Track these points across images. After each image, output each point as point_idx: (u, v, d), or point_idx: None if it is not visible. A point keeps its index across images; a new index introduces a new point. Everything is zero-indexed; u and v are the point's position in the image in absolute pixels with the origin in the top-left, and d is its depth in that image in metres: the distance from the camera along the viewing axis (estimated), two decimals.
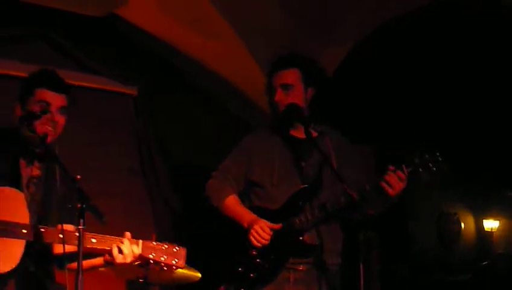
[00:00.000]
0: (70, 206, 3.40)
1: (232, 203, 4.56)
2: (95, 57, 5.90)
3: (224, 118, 6.18)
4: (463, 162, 6.04)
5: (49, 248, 3.84)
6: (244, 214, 4.49)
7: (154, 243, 3.77)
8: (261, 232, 4.35)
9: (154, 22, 5.80)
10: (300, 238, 4.40)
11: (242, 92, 6.11)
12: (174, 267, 3.81)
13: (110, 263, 3.73)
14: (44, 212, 3.77)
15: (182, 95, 6.23)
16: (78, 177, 3.41)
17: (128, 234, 3.73)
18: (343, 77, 6.54)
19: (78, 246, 3.31)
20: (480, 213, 8.68)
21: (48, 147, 3.68)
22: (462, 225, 6.33)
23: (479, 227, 9.50)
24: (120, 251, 3.68)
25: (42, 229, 3.63)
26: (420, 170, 4.30)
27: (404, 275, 6.19)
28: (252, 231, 4.36)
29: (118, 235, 3.76)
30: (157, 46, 5.96)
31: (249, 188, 4.64)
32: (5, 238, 3.56)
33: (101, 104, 6.02)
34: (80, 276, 3.24)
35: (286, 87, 4.59)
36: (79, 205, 3.33)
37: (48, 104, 3.79)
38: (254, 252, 4.38)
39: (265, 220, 4.39)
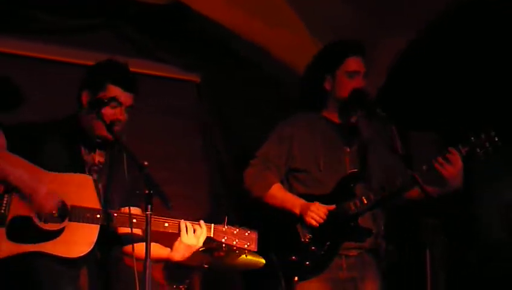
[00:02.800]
0: (138, 192, 3.44)
1: (279, 191, 4.50)
2: (158, 45, 5.93)
3: (289, 105, 6.15)
4: None
5: (116, 234, 3.90)
6: (295, 201, 4.43)
7: (226, 227, 3.81)
8: (319, 211, 4.32)
9: (218, 8, 5.80)
10: (352, 223, 4.38)
11: None
12: (246, 250, 3.84)
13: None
14: (108, 198, 3.83)
15: (246, 82, 6.23)
16: (146, 163, 3.45)
17: (201, 221, 3.80)
18: (404, 65, 6.48)
19: (146, 231, 3.35)
20: None
21: (115, 134, 3.73)
22: None
23: None
24: (188, 232, 3.72)
25: (115, 214, 3.69)
26: (478, 150, 4.28)
27: (471, 263, 6.11)
28: (309, 211, 4.33)
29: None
30: (220, 32, 5.96)
31: (289, 174, 4.58)
32: (80, 223, 3.63)
33: (164, 91, 6.05)
34: (148, 261, 3.29)
35: (365, 74, 4.57)
36: (146, 191, 3.37)
37: (120, 103, 3.84)
38: (307, 240, 4.35)
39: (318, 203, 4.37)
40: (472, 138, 4.31)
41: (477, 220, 6.33)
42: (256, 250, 3.91)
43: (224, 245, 3.83)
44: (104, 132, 3.81)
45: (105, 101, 3.79)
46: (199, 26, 5.90)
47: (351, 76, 4.51)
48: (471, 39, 6.14)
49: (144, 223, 3.52)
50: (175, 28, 5.90)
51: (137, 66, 5.82)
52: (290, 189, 4.55)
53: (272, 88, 6.32)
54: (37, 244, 3.58)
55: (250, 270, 4.72)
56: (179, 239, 3.80)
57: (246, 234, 3.86)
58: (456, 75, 6.30)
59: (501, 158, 6.11)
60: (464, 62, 6.24)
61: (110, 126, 3.75)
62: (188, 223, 3.78)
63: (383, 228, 4.58)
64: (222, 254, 4.50)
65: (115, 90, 3.84)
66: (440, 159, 4.25)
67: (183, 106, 6.15)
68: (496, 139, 4.30)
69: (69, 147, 3.86)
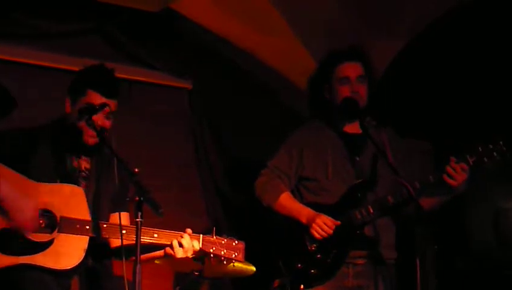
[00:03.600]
0: (128, 199, 3.43)
1: (288, 200, 4.52)
2: (149, 51, 5.92)
3: (280, 111, 6.16)
4: None
5: (107, 243, 3.89)
6: (302, 210, 4.45)
7: (214, 237, 3.83)
8: (324, 225, 4.33)
9: (209, 16, 5.80)
10: (358, 232, 4.38)
11: (297, 86, 6.09)
12: (233, 260, 3.86)
13: (170, 256, 3.79)
14: (98, 204, 3.82)
15: (237, 89, 6.23)
16: (136, 170, 3.44)
17: (189, 230, 3.82)
18: (397, 71, 6.47)
19: (136, 238, 3.34)
20: None
21: (105, 141, 3.71)
22: None
23: None
24: (181, 245, 3.73)
25: (105, 225, 3.68)
26: (485, 159, 4.24)
27: (462, 270, 6.11)
28: (314, 224, 4.34)
29: (174, 228, 3.82)
30: (211, 40, 5.96)
31: (299, 183, 4.62)
32: (69, 235, 3.62)
33: (155, 98, 6.05)
34: (138, 266, 3.28)
35: (360, 78, 4.58)
36: (137, 198, 3.36)
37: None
38: (313, 248, 4.36)
39: (325, 215, 4.37)
40: (480, 148, 4.27)
41: (469, 228, 6.32)
42: (243, 260, 3.93)
43: (212, 255, 3.83)
44: (91, 139, 3.80)
45: (97, 108, 3.76)
46: (191, 32, 5.90)
47: (342, 82, 4.54)
48: (466, 46, 6.14)
49: (131, 233, 3.53)
50: (167, 34, 5.90)
51: (129, 73, 5.86)
52: (300, 198, 4.58)
53: (263, 95, 6.32)
54: (26, 257, 3.56)
55: (241, 278, 4.72)
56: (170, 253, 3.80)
57: (234, 244, 3.88)
58: (450, 82, 6.30)
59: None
60: (458, 69, 6.24)
61: (101, 133, 3.73)
62: (184, 240, 3.76)
63: (394, 238, 4.58)
64: (213, 261, 4.51)
65: (94, 96, 3.81)
66: (449, 170, 4.25)
67: (175, 112, 6.15)
68: (504, 149, 4.24)
69: (55, 155, 3.82)
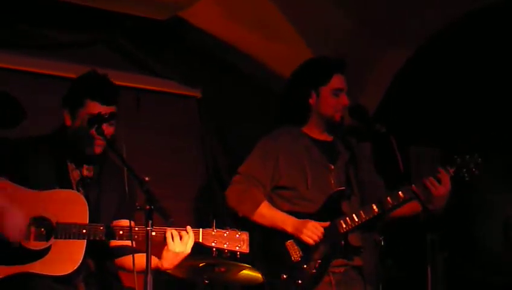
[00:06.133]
0: (138, 207, 3.41)
1: (269, 209, 4.40)
2: (158, 60, 5.93)
3: None
4: None
5: (107, 247, 3.86)
6: (286, 219, 4.35)
7: (215, 230, 3.76)
8: (315, 229, 4.29)
9: (217, 24, 5.81)
10: (343, 241, 4.36)
11: None
12: (238, 252, 3.78)
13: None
14: (98, 210, 3.80)
15: (246, 97, 6.22)
16: (147, 179, 3.42)
17: (188, 227, 3.73)
18: (404, 80, 6.47)
19: (146, 247, 3.33)
20: None
21: (115, 150, 3.69)
22: None
23: None
24: (174, 239, 3.67)
25: (101, 228, 3.65)
26: (464, 170, 4.40)
27: (470, 276, 6.10)
28: (305, 230, 4.28)
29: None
30: (220, 48, 5.97)
31: (272, 191, 4.48)
32: (67, 240, 3.60)
33: (164, 106, 6.04)
34: (149, 276, 3.26)
35: (346, 92, 4.57)
36: (147, 207, 3.35)
37: None
38: (299, 258, 4.30)
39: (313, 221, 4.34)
40: (458, 159, 4.41)
41: (478, 235, 6.32)
42: (248, 251, 3.80)
43: (214, 249, 3.74)
44: (98, 148, 3.79)
45: (106, 117, 3.75)
46: (199, 40, 5.90)
47: (336, 94, 4.49)
48: (470, 54, 6.15)
49: (135, 234, 3.57)
50: (175, 42, 5.90)
51: (137, 82, 5.87)
52: (273, 206, 4.49)
53: (271, 103, 6.31)
54: (25, 265, 3.55)
55: (251, 286, 4.70)
56: (166, 247, 3.70)
57: (237, 235, 3.77)
58: (456, 89, 6.31)
59: (502, 172, 6.13)
60: (463, 76, 6.25)
61: (110, 142, 3.72)
62: (174, 231, 3.68)
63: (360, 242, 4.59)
64: (223, 269, 4.49)
65: (94, 106, 3.77)
66: (432, 179, 4.31)
67: (184, 121, 6.14)
68: (479, 161, 4.41)
69: (55, 163, 3.80)
